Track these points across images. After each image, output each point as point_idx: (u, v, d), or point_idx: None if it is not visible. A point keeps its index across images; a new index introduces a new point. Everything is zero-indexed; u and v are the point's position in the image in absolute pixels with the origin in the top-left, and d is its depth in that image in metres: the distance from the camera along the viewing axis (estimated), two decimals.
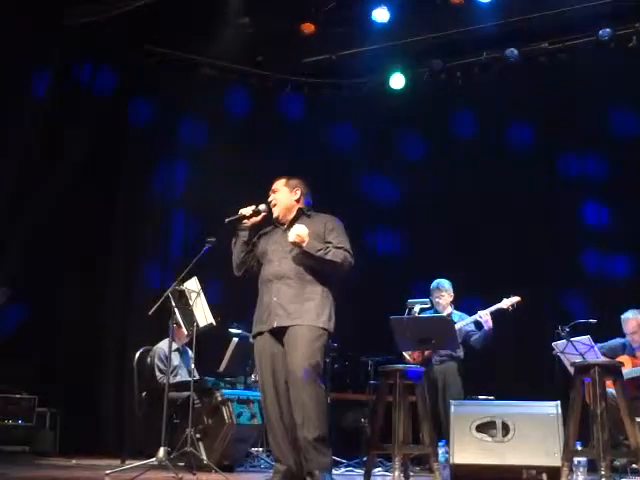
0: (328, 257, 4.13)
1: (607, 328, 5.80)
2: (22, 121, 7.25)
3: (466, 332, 6.27)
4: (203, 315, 5.40)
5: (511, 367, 6.83)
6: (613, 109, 7.26)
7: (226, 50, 7.96)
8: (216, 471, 5.05)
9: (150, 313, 5.19)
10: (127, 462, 5.54)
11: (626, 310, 5.84)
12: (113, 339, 7.94)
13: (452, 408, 5.46)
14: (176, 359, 6.31)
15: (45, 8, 7.02)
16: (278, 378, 4.12)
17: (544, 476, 5.05)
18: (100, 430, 7.65)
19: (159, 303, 5.24)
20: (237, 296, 7.54)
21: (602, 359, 4.99)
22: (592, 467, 4.62)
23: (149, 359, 6.28)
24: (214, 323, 5.42)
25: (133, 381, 6.25)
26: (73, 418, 7.31)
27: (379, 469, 6.20)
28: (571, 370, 4.90)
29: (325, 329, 4.13)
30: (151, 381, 6.13)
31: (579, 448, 4.68)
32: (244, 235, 4.37)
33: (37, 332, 7.22)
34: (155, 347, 6.28)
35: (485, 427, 5.30)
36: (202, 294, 5.42)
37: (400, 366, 5.48)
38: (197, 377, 5.94)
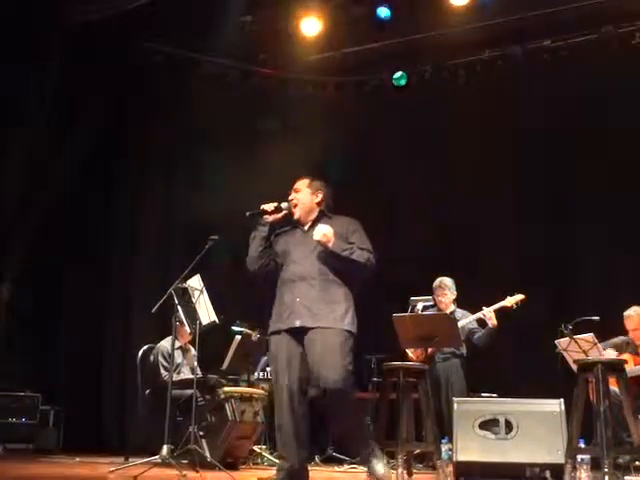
0: (354, 257, 4.12)
1: (611, 326, 5.79)
2: (22, 121, 7.25)
3: (469, 330, 6.27)
4: (206, 313, 5.41)
5: (514, 365, 6.83)
6: (614, 106, 7.23)
7: (228, 48, 7.96)
8: (219, 468, 5.06)
9: (153, 311, 5.20)
10: (130, 459, 5.54)
11: (628, 308, 5.83)
12: (116, 337, 7.95)
13: (455, 405, 5.46)
14: (179, 357, 6.31)
15: (43, 6, 7.02)
16: (293, 378, 4.08)
17: (547, 473, 5.04)
18: (103, 428, 7.67)
19: (162, 301, 5.24)
20: (240, 294, 7.62)
21: (605, 357, 4.99)
22: (595, 464, 4.61)
23: (152, 357, 6.29)
24: (217, 321, 5.42)
25: (136, 379, 6.26)
26: (76, 416, 7.33)
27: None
28: (574, 368, 4.90)
29: (349, 331, 4.13)
30: (155, 379, 6.13)
31: (582, 446, 4.68)
32: (264, 230, 4.30)
33: (40, 330, 7.24)
34: (158, 345, 6.29)
35: (488, 424, 5.30)
36: (205, 292, 5.42)
37: (403, 364, 5.50)
38: (200, 375, 5.94)
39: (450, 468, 5.23)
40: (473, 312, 6.32)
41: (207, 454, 5.42)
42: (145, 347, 6.40)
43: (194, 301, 5.37)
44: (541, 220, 7.47)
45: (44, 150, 7.34)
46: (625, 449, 4.88)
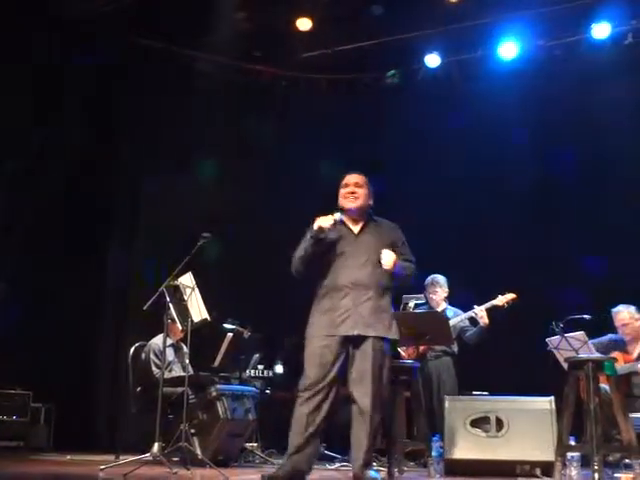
0: (407, 273, 4.33)
1: (601, 324, 5.81)
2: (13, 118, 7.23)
3: (460, 328, 6.29)
4: (198, 310, 5.40)
5: (505, 363, 6.84)
6: (606, 105, 7.25)
7: (221, 45, 7.95)
8: (210, 466, 5.05)
9: (145, 308, 5.19)
10: (121, 457, 5.53)
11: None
12: (108, 334, 7.94)
13: (446, 403, 5.48)
14: (170, 354, 6.30)
15: None
16: (331, 380, 4.14)
17: (537, 471, 5.07)
18: (94, 425, 7.65)
19: (154, 298, 5.23)
20: (232, 292, 7.62)
21: (596, 355, 5.01)
22: (585, 462, 4.64)
23: (144, 354, 6.27)
24: (208, 318, 5.42)
25: (127, 376, 6.25)
26: (68, 413, 7.31)
27: (374, 464, 6.21)
28: (565, 366, 4.92)
29: (396, 340, 4.35)
30: (146, 376, 6.12)
31: (572, 443, 4.70)
32: (318, 245, 4.26)
33: (32, 327, 7.21)
34: (150, 342, 6.28)
35: (479, 422, 5.33)
36: (197, 289, 5.41)
37: (395, 362, 5.50)
38: (191, 372, 5.94)
39: (441, 465, 5.25)
40: (465, 310, 6.34)
41: (198, 452, 5.42)
42: (137, 344, 6.38)
43: (186, 299, 5.36)
44: (533, 219, 7.48)
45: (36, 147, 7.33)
46: (615, 447, 4.90)
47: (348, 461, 6.23)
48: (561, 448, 4.62)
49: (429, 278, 6.46)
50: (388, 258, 4.19)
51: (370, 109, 8.25)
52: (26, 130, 7.35)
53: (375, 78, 8.39)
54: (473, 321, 6.29)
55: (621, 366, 5.30)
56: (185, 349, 6.17)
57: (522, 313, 6.27)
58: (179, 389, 5.77)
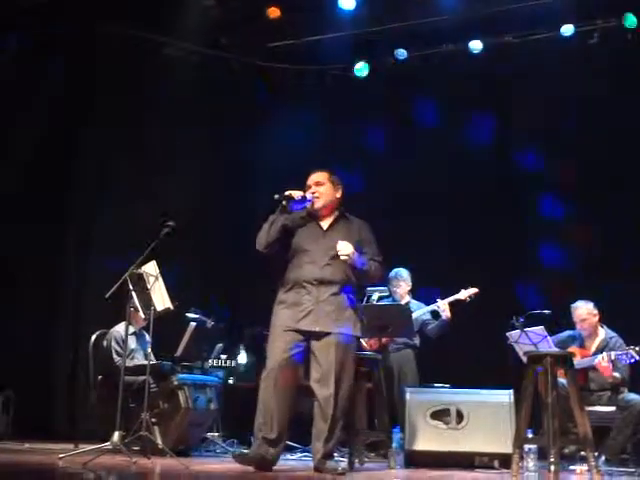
0: (371, 272, 4.34)
1: (561, 319, 5.91)
2: None
3: (422, 321, 6.34)
4: (161, 299, 5.36)
5: (466, 356, 6.92)
6: (572, 105, 7.35)
7: (190, 32, 7.87)
8: (171, 455, 5.03)
9: (107, 296, 5.13)
10: (81, 446, 5.48)
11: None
12: (68, 322, 7.84)
13: (407, 395, 5.54)
14: (133, 343, 6.25)
15: None
16: (294, 370, 4.23)
17: (496, 463, 5.16)
18: (54, 413, 7.57)
19: (116, 286, 5.18)
20: (196, 280, 7.58)
21: (554, 349, 5.10)
22: (542, 454, 4.72)
23: (105, 342, 6.21)
24: (172, 307, 5.38)
25: (87, 364, 6.18)
26: (26, 401, 7.21)
27: (335, 454, 6.24)
28: (524, 360, 4.99)
29: (358, 337, 4.39)
30: (107, 364, 6.07)
31: (530, 436, 4.78)
32: (287, 218, 4.32)
33: None
34: (111, 330, 6.21)
35: (440, 414, 5.39)
36: (160, 278, 5.37)
37: (357, 353, 5.53)
38: (154, 361, 5.90)
39: (401, 457, 5.30)
40: (428, 304, 6.39)
41: (159, 441, 5.39)
42: (98, 332, 6.32)
43: (149, 287, 5.32)
44: (494, 213, 7.55)
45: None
46: (571, 440, 5.00)
47: (309, 451, 6.28)
48: (519, 440, 4.69)
49: (393, 272, 6.50)
50: (343, 247, 4.20)
51: (337, 100, 8.25)
52: None
53: (343, 69, 8.38)
54: (435, 315, 6.35)
55: (578, 361, 5.39)
56: (147, 338, 6.12)
57: (484, 307, 6.35)
58: (140, 378, 5.73)
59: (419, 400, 5.49)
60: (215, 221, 7.90)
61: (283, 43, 8.15)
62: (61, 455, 4.80)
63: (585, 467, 4.92)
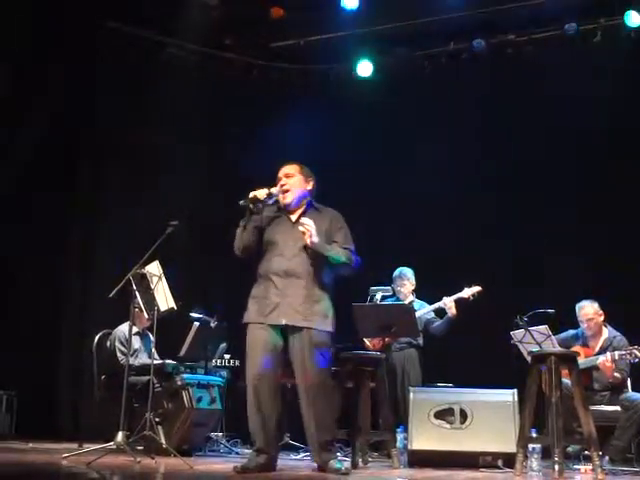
0: (337, 257, 4.19)
1: (565, 318, 5.89)
2: None
3: (426, 320, 6.33)
4: (164, 299, 5.36)
5: (470, 355, 6.91)
6: (575, 103, 7.33)
7: (193, 32, 7.88)
8: (175, 455, 5.04)
9: (110, 296, 5.14)
10: (84, 446, 5.49)
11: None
12: (72, 322, 7.84)
13: (411, 395, 5.53)
14: (136, 342, 6.27)
15: None
16: (274, 369, 4.15)
17: (500, 462, 5.14)
18: (57, 413, 7.58)
19: (120, 286, 5.19)
20: (199, 280, 7.58)
21: (559, 349, 5.08)
22: (546, 454, 4.71)
23: (109, 342, 6.23)
24: (175, 307, 5.39)
25: (91, 364, 6.20)
26: (30, 401, 7.23)
27: (338, 454, 6.24)
28: (528, 359, 4.99)
29: (331, 332, 4.23)
30: (111, 364, 6.08)
31: (534, 435, 4.78)
32: (257, 219, 4.27)
33: None
34: (115, 330, 6.23)
35: (443, 414, 5.39)
36: (163, 278, 5.38)
37: (360, 352, 5.53)
38: (157, 361, 5.90)
39: (405, 456, 5.30)
40: (431, 303, 6.38)
41: (163, 441, 5.40)
42: (102, 332, 6.33)
43: (152, 287, 5.32)
44: (500, 214, 7.55)
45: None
46: (575, 439, 4.99)
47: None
48: (523, 440, 4.69)
49: (397, 271, 6.49)
50: (305, 221, 4.12)
51: (341, 100, 8.24)
52: None
53: (346, 69, 8.37)
54: (439, 313, 6.34)
55: (582, 360, 5.38)
56: (151, 337, 6.13)
57: (487, 306, 6.34)
58: (144, 378, 5.74)
59: (423, 399, 5.49)
60: (218, 219, 7.88)
61: (286, 43, 8.15)
62: (65, 455, 4.81)
63: (589, 466, 4.91)
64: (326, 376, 4.17)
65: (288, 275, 4.16)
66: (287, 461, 5.58)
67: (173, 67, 8.07)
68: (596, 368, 5.58)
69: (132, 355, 5.86)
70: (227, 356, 7.00)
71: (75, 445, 5.80)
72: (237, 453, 6.24)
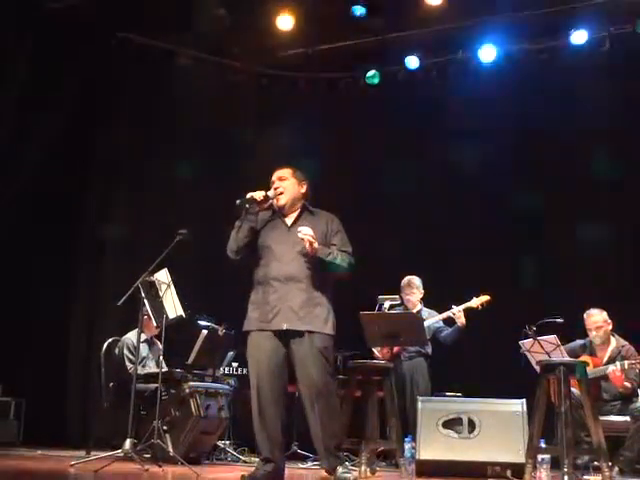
0: (337, 262, 4.18)
1: (574, 328, 5.87)
2: None
3: (435, 329, 6.32)
4: (173, 307, 5.37)
5: (478, 365, 6.89)
6: (587, 110, 7.32)
7: (202, 41, 7.91)
8: (182, 463, 5.04)
9: (119, 304, 5.15)
10: (92, 453, 5.50)
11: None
12: (80, 329, 7.87)
13: (419, 404, 5.51)
14: (144, 350, 6.28)
15: None
16: (277, 376, 4.12)
17: (508, 473, 5.12)
18: (65, 421, 7.59)
19: (129, 294, 5.20)
20: (207, 288, 7.58)
21: (568, 358, 5.06)
22: (555, 464, 4.69)
23: (117, 350, 6.24)
24: (184, 315, 5.40)
25: (100, 372, 6.20)
26: (38, 408, 7.24)
27: (346, 463, 6.22)
28: (537, 369, 4.97)
29: (331, 335, 4.21)
30: (119, 372, 6.09)
31: (543, 445, 4.75)
32: (252, 220, 4.27)
33: (2, 321, 7.13)
34: (123, 338, 6.25)
35: (451, 423, 5.37)
36: (172, 286, 5.39)
37: (369, 362, 5.52)
38: (165, 369, 5.91)
39: (413, 466, 5.27)
40: (439, 312, 6.37)
41: (170, 449, 5.40)
42: (110, 340, 6.35)
43: (161, 295, 5.33)
44: (508, 221, 7.53)
45: (12, 136, 7.24)
46: (584, 450, 4.96)
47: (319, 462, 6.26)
48: (532, 450, 4.67)
49: (405, 279, 6.49)
50: (304, 229, 4.10)
51: (349, 108, 8.25)
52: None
53: (355, 78, 8.40)
54: (448, 322, 6.33)
55: (592, 370, 5.36)
56: (159, 345, 6.14)
57: (496, 315, 6.32)
58: (152, 385, 5.75)
59: (431, 409, 5.47)
60: (230, 227, 7.89)
61: (295, 52, 8.17)
62: (73, 462, 4.82)
63: (599, 477, 4.87)
64: (329, 380, 4.14)
65: (288, 280, 4.15)
66: (295, 470, 5.57)
67: (183, 74, 8.09)
68: (605, 378, 5.55)
69: (140, 363, 5.87)
70: (235, 364, 6.99)
71: (83, 452, 5.81)
72: (244, 461, 6.23)
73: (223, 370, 6.87)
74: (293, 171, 4.40)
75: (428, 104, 7.92)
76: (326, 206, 4.52)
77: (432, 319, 6.31)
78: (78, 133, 7.78)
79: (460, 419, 5.35)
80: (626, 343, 5.74)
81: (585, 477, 5.22)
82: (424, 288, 6.52)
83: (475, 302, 6.17)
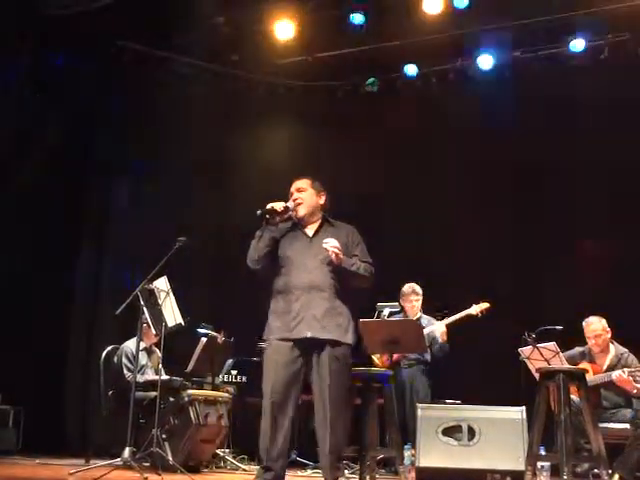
0: (360, 272, 4.21)
1: (573, 336, 5.86)
2: None
3: (433, 337, 6.31)
4: (172, 314, 5.37)
5: (478, 372, 6.89)
6: (582, 119, 7.35)
7: (199, 49, 7.93)
8: (181, 471, 5.03)
9: (118, 312, 5.14)
10: (91, 462, 5.49)
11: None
12: (80, 337, 7.85)
13: (419, 411, 5.50)
14: (143, 358, 6.26)
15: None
16: (292, 387, 4.10)
17: None
18: (64, 429, 7.56)
19: (128, 302, 5.20)
20: (207, 296, 7.59)
21: (567, 366, 5.06)
22: (555, 471, 4.68)
23: (116, 358, 6.23)
24: (183, 323, 5.39)
25: (99, 380, 6.19)
26: (37, 416, 7.22)
27: (345, 471, 6.22)
28: (536, 376, 4.96)
29: (351, 345, 4.21)
30: (118, 380, 6.08)
31: (543, 453, 4.75)
32: (274, 230, 4.26)
33: (1, 329, 7.12)
34: (122, 345, 6.23)
35: (451, 431, 5.36)
36: (171, 293, 5.39)
37: (368, 369, 5.52)
38: (164, 377, 5.90)
39: (412, 474, 5.27)
40: (438, 320, 6.37)
41: (169, 457, 5.38)
42: (109, 348, 6.34)
43: (160, 303, 5.33)
44: (509, 230, 7.55)
45: (10, 144, 7.25)
46: (584, 457, 4.96)
47: (320, 468, 6.25)
48: (531, 457, 4.66)
49: (406, 286, 6.49)
50: (330, 241, 4.12)
51: (348, 116, 8.27)
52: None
53: (354, 85, 8.42)
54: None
55: (591, 377, 5.35)
56: (158, 353, 6.13)
57: (495, 322, 6.32)
58: (151, 393, 5.74)
59: (430, 416, 5.46)
60: (229, 235, 7.89)
61: (294, 60, 8.19)
62: (72, 470, 4.81)
63: None
64: (345, 391, 4.14)
65: (311, 288, 4.15)
66: (294, 478, 5.56)
67: (180, 83, 8.12)
68: (610, 385, 5.53)
69: (139, 371, 5.86)
70: (234, 372, 6.98)
71: (82, 461, 5.80)
72: (244, 470, 6.21)
73: (222, 378, 6.86)
74: (311, 182, 4.41)
75: (427, 111, 7.95)
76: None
77: (431, 327, 6.31)
78: (78, 133, 7.79)
79: (460, 426, 5.35)
80: (625, 350, 5.73)
81: None
82: (422, 295, 6.53)
83: (475, 309, 6.18)
